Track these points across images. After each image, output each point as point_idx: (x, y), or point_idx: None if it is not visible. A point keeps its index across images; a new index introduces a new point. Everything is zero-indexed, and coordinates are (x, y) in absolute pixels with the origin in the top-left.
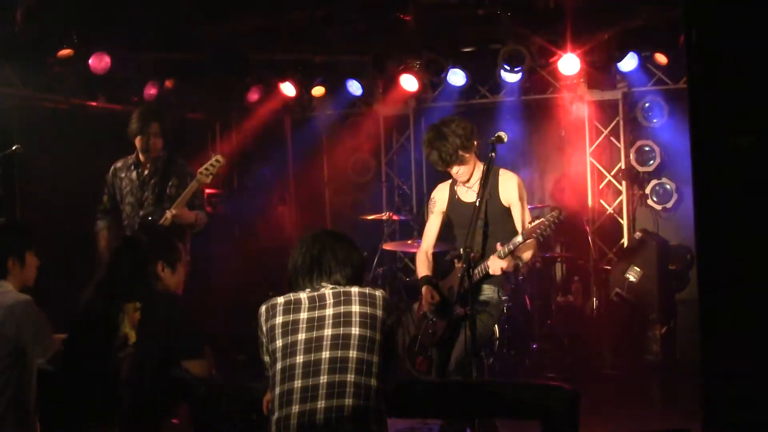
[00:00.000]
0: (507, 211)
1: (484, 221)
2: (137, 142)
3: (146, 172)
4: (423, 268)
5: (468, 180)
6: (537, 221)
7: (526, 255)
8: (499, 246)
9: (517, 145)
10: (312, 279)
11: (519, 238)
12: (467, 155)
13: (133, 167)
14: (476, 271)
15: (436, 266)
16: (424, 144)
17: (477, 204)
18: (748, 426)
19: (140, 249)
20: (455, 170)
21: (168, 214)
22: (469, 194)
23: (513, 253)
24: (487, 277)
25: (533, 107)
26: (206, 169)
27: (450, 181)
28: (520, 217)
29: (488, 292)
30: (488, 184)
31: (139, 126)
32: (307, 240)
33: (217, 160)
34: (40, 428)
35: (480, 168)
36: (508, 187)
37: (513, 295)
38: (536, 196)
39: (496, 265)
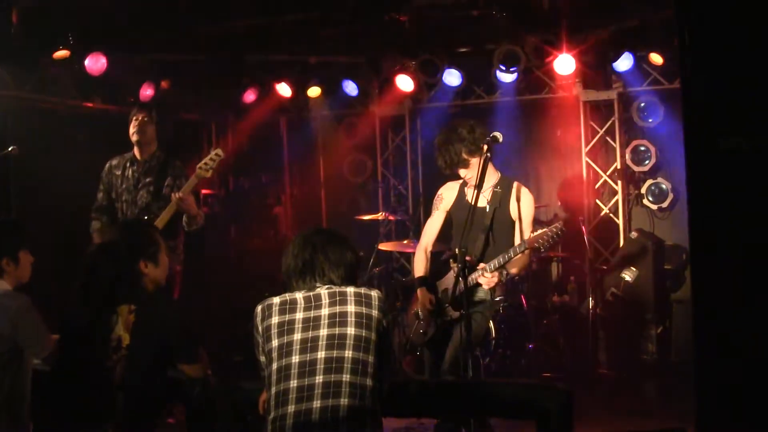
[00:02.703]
0: (513, 224)
1: (488, 227)
2: (131, 128)
3: (142, 170)
4: (421, 267)
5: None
6: (540, 231)
7: (514, 269)
8: (481, 266)
9: (513, 146)
10: (305, 281)
11: (519, 247)
12: (473, 159)
13: (129, 164)
14: (471, 278)
15: (431, 266)
16: (435, 148)
17: (472, 205)
18: (741, 425)
19: (117, 255)
20: (463, 173)
21: (173, 197)
22: (479, 199)
23: (504, 265)
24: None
25: (529, 107)
26: (206, 163)
27: (461, 181)
28: (520, 233)
29: (481, 293)
30: (497, 191)
31: (135, 110)
32: (299, 242)
33: (217, 154)
34: (34, 429)
35: (493, 173)
36: (520, 202)
37: (509, 295)
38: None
39: (487, 281)
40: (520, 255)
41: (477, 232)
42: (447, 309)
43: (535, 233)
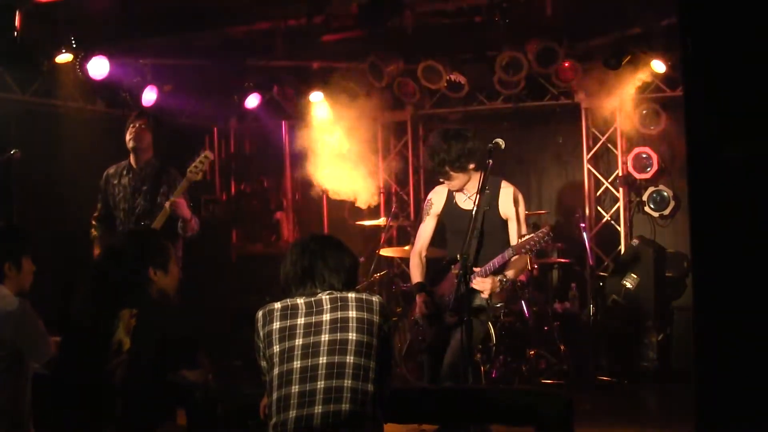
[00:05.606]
0: (504, 223)
1: (479, 231)
2: (127, 135)
3: (137, 178)
4: (417, 272)
5: (463, 188)
6: (526, 237)
7: (510, 273)
8: (476, 269)
9: (514, 152)
10: (306, 288)
11: (508, 252)
12: (454, 174)
13: (125, 172)
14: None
15: (428, 271)
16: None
17: (474, 213)
18: None
19: (125, 260)
20: (442, 180)
21: (167, 203)
22: (467, 202)
23: (495, 272)
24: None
25: (530, 114)
26: (195, 166)
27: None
28: (516, 231)
29: (479, 300)
30: (486, 192)
31: (131, 118)
32: (296, 251)
33: (206, 156)
34: None
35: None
36: (508, 200)
37: (510, 302)
38: (533, 202)
39: (480, 285)
40: (515, 258)
41: (471, 236)
42: (444, 315)
43: (522, 239)
